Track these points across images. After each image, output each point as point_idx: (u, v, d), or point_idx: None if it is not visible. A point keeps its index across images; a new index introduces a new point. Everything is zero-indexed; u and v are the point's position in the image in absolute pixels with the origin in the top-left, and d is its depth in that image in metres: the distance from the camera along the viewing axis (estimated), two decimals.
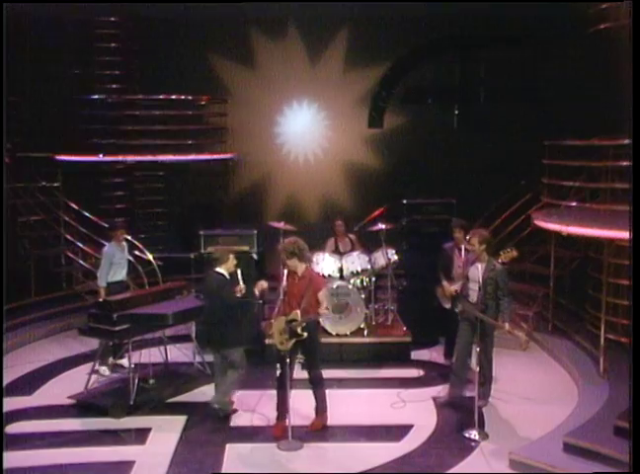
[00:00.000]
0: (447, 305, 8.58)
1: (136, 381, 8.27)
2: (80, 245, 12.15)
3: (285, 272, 7.47)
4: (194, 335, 9.23)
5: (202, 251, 10.08)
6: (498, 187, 12.07)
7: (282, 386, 7.27)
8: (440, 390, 8.62)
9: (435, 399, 8.37)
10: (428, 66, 14.82)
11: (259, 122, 14.22)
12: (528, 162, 11.02)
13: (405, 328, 10.01)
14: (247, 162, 14.27)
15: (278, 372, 7.22)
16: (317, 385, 7.62)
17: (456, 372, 8.06)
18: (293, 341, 7.20)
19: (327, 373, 8.09)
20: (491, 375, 8.06)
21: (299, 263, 7.36)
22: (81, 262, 12.10)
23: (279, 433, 7.41)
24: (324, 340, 8.31)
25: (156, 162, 13.03)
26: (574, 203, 9.04)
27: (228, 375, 7.80)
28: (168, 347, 9.34)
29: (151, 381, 8.68)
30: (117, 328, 8.05)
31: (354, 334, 9.76)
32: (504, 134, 13.07)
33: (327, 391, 7.70)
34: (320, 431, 7.55)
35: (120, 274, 9.38)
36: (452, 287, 8.17)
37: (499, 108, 13.47)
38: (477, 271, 7.68)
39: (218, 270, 7.76)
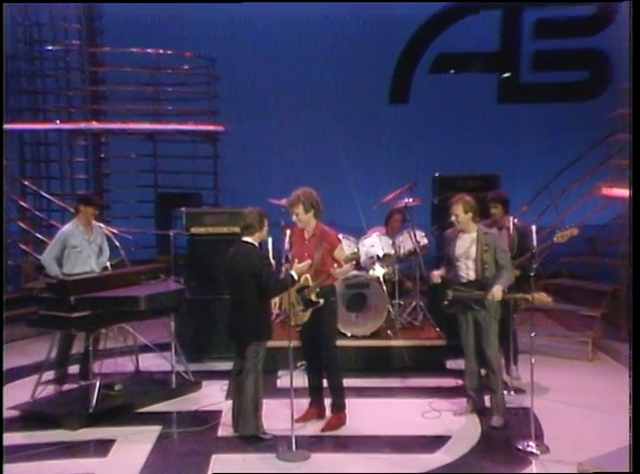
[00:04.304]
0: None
1: (98, 387, 7.98)
2: (38, 235, 11.96)
3: (289, 232, 7.20)
4: (173, 341, 8.92)
5: (185, 231, 9.92)
6: (550, 160, 11.87)
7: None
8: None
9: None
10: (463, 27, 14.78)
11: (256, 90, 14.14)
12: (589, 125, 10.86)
13: (437, 329, 9.76)
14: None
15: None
16: (332, 370, 7.50)
17: (469, 384, 7.87)
18: (310, 311, 7.21)
19: None
20: (500, 373, 7.74)
21: (313, 219, 7.33)
22: (37, 255, 11.65)
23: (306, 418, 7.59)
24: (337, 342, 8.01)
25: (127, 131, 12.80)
26: None
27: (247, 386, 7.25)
28: (144, 355, 9.26)
29: (117, 387, 8.45)
30: (74, 314, 7.73)
31: (374, 336, 9.59)
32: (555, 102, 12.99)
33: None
34: (334, 434, 7.41)
35: (85, 264, 8.68)
36: (435, 273, 7.78)
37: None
38: (466, 243, 7.58)
39: (248, 240, 7.16)
